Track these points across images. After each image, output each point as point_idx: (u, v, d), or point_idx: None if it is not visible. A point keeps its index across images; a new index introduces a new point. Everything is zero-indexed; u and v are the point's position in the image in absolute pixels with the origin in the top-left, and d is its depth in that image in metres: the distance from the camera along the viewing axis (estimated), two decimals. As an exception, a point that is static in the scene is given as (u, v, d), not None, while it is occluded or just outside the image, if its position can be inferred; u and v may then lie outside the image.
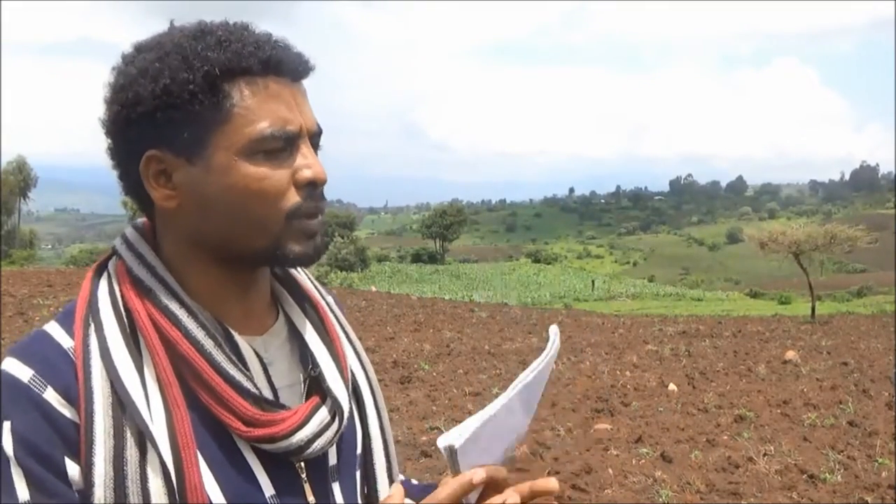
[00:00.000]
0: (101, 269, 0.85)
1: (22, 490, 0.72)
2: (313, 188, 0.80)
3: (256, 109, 0.77)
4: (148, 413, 0.75)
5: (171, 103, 0.76)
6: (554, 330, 0.91)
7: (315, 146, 0.83)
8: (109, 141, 0.82)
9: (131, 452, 0.74)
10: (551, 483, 0.85)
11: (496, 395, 0.86)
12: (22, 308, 13.59)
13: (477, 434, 0.82)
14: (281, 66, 0.79)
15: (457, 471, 0.83)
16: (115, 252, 0.85)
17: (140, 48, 0.80)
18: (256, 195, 0.77)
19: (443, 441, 0.81)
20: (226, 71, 0.76)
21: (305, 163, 0.80)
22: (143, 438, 0.74)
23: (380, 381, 0.98)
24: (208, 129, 0.77)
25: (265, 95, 0.78)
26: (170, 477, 0.74)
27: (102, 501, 0.73)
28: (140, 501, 0.73)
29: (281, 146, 0.78)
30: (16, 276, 20.06)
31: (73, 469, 0.73)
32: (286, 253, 0.80)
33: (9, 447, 0.72)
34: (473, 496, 0.87)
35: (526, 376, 0.85)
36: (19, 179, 62.53)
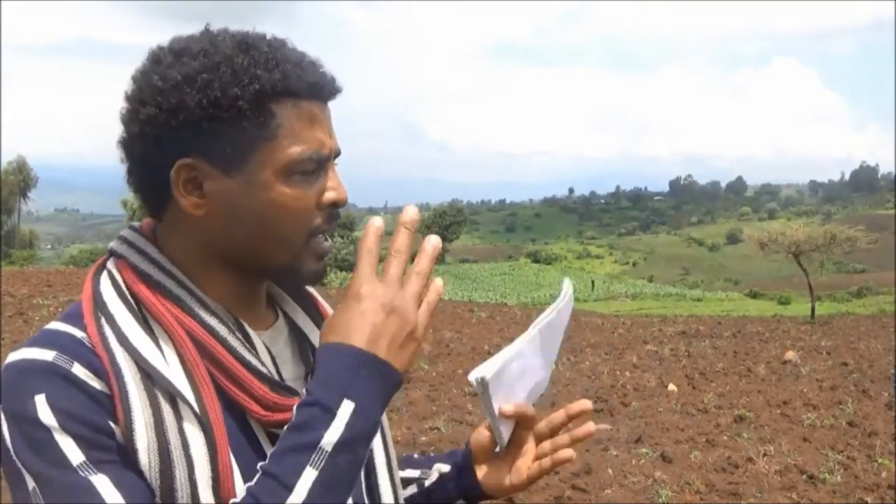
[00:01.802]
0: (100, 270, 0.84)
1: (74, 454, 0.70)
2: (333, 210, 0.84)
3: (299, 131, 0.79)
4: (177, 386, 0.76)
5: (219, 116, 0.76)
6: (567, 282, 0.97)
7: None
8: (131, 139, 0.81)
9: (169, 420, 0.74)
10: (584, 403, 0.95)
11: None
12: (22, 308, 13.59)
13: (503, 370, 0.89)
14: (322, 89, 0.82)
15: (488, 402, 0.90)
16: (112, 253, 0.85)
17: (180, 52, 0.79)
18: (290, 213, 0.80)
19: (474, 374, 0.88)
20: (276, 91, 0.78)
21: (332, 185, 0.83)
22: (178, 407, 0.75)
23: (379, 381, 0.99)
24: (252, 145, 0.78)
25: (307, 118, 0.80)
26: (212, 441, 0.74)
27: (148, 467, 0.72)
28: (185, 466, 0.73)
29: (314, 168, 0.81)
30: (16, 276, 20.06)
31: (117, 431, 0.73)
32: (301, 270, 0.84)
33: (49, 418, 0.70)
34: (507, 434, 0.95)
35: (543, 318, 0.93)
36: (19, 179, 62.58)
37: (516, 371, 0.91)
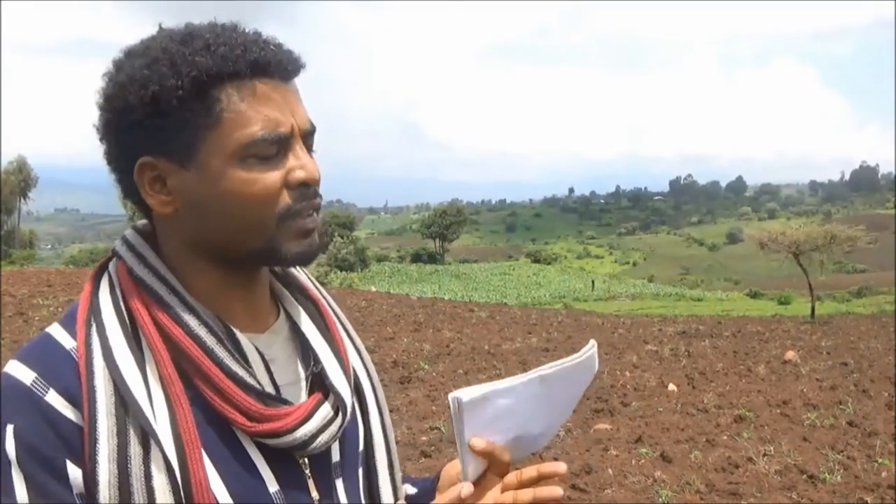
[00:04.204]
0: (101, 270, 0.85)
1: (21, 493, 0.72)
2: (306, 188, 0.81)
3: (246, 113, 0.77)
4: (151, 411, 0.75)
5: (161, 110, 0.76)
6: (591, 343, 0.90)
7: (309, 144, 0.84)
8: (104, 147, 0.82)
9: (135, 450, 0.74)
10: (559, 466, 0.87)
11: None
12: (22, 308, 13.59)
13: (486, 400, 0.83)
14: (269, 67, 0.79)
15: (460, 427, 0.84)
16: (115, 254, 0.85)
17: (129, 54, 0.80)
18: (248, 199, 0.78)
19: (453, 394, 0.82)
20: (214, 75, 0.76)
21: (298, 163, 0.80)
22: (147, 436, 0.75)
23: (380, 381, 0.99)
24: (199, 134, 0.77)
25: (254, 98, 0.77)
26: (174, 473, 0.74)
27: (107, 500, 0.73)
28: (144, 499, 0.74)
29: (273, 149, 0.79)
30: (16, 276, 20.05)
31: (74, 472, 0.74)
32: (283, 253, 0.81)
33: (11, 450, 0.73)
34: (474, 472, 0.87)
35: (552, 366, 0.86)
36: (19, 179, 62.52)
37: (502, 408, 0.85)
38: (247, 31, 0.81)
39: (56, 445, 0.73)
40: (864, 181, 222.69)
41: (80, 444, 0.74)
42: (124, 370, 0.76)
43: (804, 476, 5.43)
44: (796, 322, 18.43)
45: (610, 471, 5.48)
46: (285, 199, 0.80)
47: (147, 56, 0.77)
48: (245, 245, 0.81)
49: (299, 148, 0.81)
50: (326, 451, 0.86)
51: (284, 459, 0.83)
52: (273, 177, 0.79)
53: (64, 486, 0.73)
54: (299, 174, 0.80)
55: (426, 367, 10.06)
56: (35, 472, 0.73)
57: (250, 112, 0.77)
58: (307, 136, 0.83)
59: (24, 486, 0.72)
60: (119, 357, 0.77)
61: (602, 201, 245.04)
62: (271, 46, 0.80)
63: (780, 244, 20.10)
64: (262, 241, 0.80)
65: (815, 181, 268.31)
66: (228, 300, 0.85)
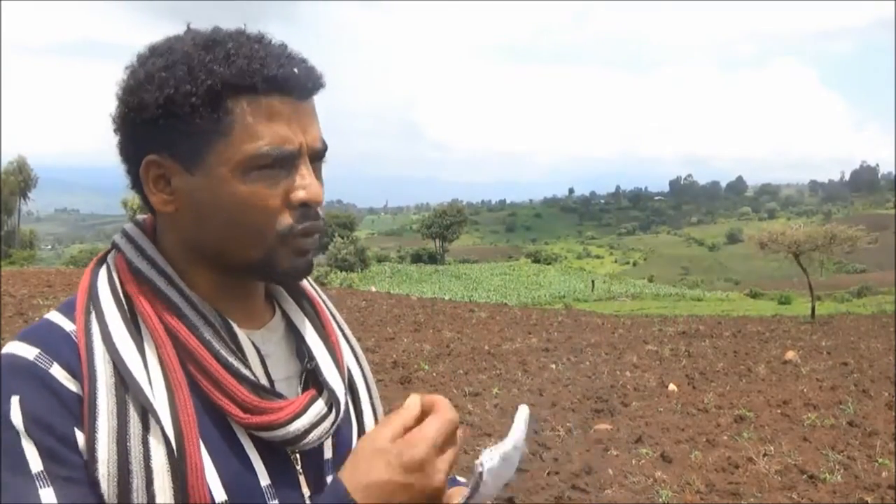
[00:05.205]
0: (100, 262, 0.86)
1: (35, 461, 0.72)
2: (307, 208, 0.81)
3: (256, 127, 0.77)
4: (151, 392, 0.76)
5: (173, 113, 0.77)
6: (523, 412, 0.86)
7: (319, 164, 0.84)
8: (119, 139, 0.83)
9: (135, 430, 0.75)
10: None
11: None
12: (22, 308, 13.58)
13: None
14: (286, 83, 0.79)
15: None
16: (114, 246, 0.87)
17: (153, 51, 0.81)
18: (247, 211, 0.79)
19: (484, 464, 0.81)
20: (229, 87, 0.77)
21: (302, 183, 0.80)
22: (147, 416, 0.75)
23: (380, 381, 0.98)
24: (208, 142, 0.78)
25: (266, 114, 0.78)
26: (173, 453, 0.75)
27: (106, 477, 0.74)
28: (143, 477, 0.74)
29: (278, 165, 0.79)
30: (16, 277, 20.06)
31: (81, 439, 0.74)
32: (276, 269, 0.82)
33: (18, 421, 0.72)
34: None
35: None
36: (19, 179, 62.62)
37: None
38: (272, 43, 0.81)
39: (62, 414, 0.74)
40: (864, 181, 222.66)
41: (81, 416, 0.75)
42: (124, 353, 0.77)
43: (804, 476, 5.43)
44: (796, 322, 18.44)
45: (610, 471, 5.48)
46: (287, 218, 0.80)
47: (168, 57, 0.78)
48: (241, 255, 0.81)
49: (305, 168, 0.81)
50: (319, 448, 0.87)
51: (276, 454, 0.83)
52: (276, 193, 0.79)
53: (74, 451, 0.73)
54: (301, 194, 0.80)
55: (426, 367, 10.05)
56: (45, 439, 0.73)
57: (260, 127, 0.77)
58: (317, 156, 0.83)
59: (36, 454, 0.72)
60: (118, 341, 0.78)
61: (602, 201, 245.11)
62: (293, 63, 0.80)
63: (780, 244, 20.10)
64: (259, 254, 0.81)
65: (815, 181, 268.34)
66: (225, 298, 0.85)
